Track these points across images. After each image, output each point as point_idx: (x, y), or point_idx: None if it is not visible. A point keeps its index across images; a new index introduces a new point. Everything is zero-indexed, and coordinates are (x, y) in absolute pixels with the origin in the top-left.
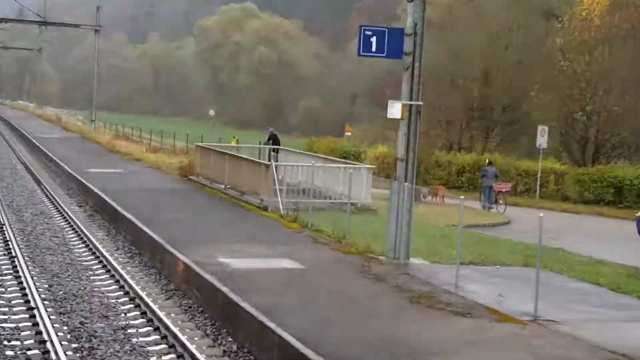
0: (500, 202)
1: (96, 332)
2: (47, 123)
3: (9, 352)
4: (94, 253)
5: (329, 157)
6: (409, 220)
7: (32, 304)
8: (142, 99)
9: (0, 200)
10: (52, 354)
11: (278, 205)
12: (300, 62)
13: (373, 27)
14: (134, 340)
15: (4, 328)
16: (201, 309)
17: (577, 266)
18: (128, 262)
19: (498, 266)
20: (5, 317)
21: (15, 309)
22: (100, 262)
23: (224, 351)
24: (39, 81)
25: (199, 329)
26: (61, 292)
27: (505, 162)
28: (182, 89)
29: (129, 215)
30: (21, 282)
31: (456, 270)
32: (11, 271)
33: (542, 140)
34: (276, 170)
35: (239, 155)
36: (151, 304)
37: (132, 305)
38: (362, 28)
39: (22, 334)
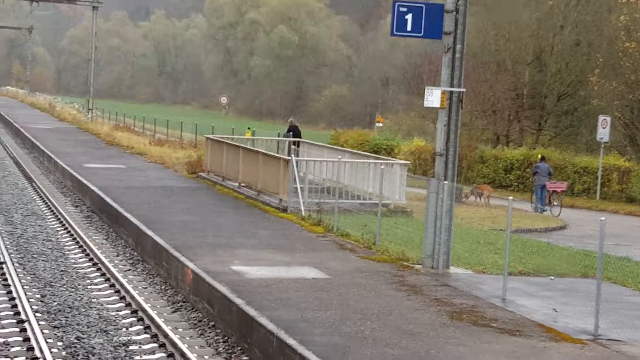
0: (555, 203)
1: (94, 348)
2: (39, 112)
3: None
4: (91, 259)
5: (358, 152)
6: (449, 224)
7: (23, 317)
8: (145, 85)
9: None
10: None
11: (299, 205)
12: (324, 44)
13: (409, 2)
14: (137, 358)
15: None
16: (212, 323)
17: None
18: (130, 269)
19: (552, 277)
20: None
21: (3, 322)
22: (99, 269)
23: None
24: (29, 65)
25: (209, 346)
26: (55, 304)
27: (560, 158)
28: (191, 74)
29: (130, 217)
30: (10, 292)
31: (503, 282)
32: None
33: (603, 132)
34: (297, 166)
35: (255, 149)
36: (156, 317)
37: (134, 319)
38: (396, 4)
39: (12, 350)
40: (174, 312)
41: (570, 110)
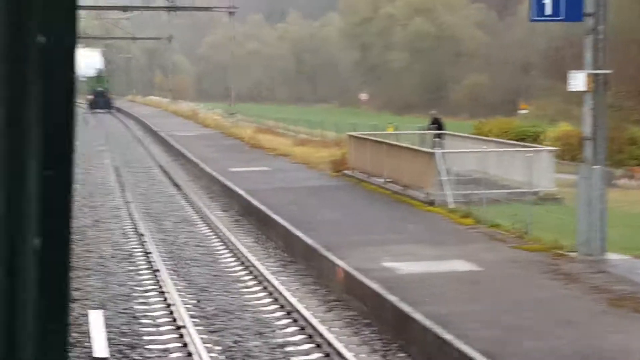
0: None
1: (251, 351)
2: (183, 119)
3: None
4: (243, 263)
5: (502, 141)
6: (603, 209)
7: (180, 323)
8: (285, 86)
9: (138, 209)
10: None
11: (446, 198)
12: (461, 33)
13: None
14: (293, 359)
15: (150, 350)
16: (367, 321)
17: None
18: (281, 271)
19: None
20: (152, 337)
21: (162, 329)
22: (251, 272)
23: None
24: (170, 73)
25: (365, 345)
26: (210, 308)
27: None
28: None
29: (278, 219)
30: (166, 299)
31: None
32: (155, 287)
33: None
34: (442, 159)
35: (399, 143)
36: (310, 317)
37: (289, 320)
38: None
39: (172, 355)
40: (327, 311)
41: None
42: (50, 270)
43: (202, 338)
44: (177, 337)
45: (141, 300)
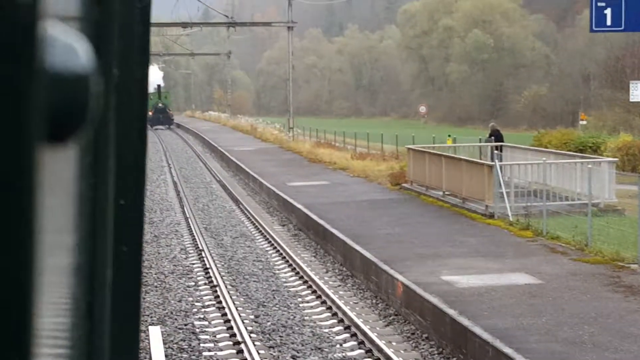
0: None
1: None
2: (242, 134)
3: None
4: (301, 277)
5: (562, 152)
6: None
7: (239, 338)
8: (343, 99)
9: (197, 224)
10: None
11: (506, 211)
12: (521, 44)
13: None
14: None
15: None
16: (425, 335)
17: None
18: (340, 285)
19: None
20: (211, 353)
21: (221, 344)
22: (309, 287)
23: None
24: (229, 88)
25: (424, 359)
26: (269, 323)
27: None
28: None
29: (337, 233)
30: (225, 314)
31: None
32: (213, 302)
33: None
34: (501, 171)
35: (457, 156)
36: (369, 332)
37: (347, 335)
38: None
39: None
40: (386, 325)
41: None
42: (121, 301)
43: (260, 353)
44: (235, 353)
45: (200, 315)
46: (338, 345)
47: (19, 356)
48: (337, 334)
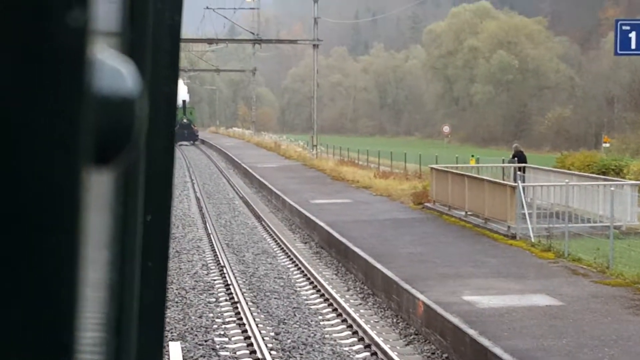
0: None
1: None
2: (265, 151)
3: None
4: (322, 295)
5: (585, 174)
6: None
7: (259, 355)
8: (368, 118)
9: (219, 240)
10: None
11: (528, 232)
12: (545, 66)
13: (632, 20)
14: None
15: None
16: (445, 355)
17: None
18: (361, 304)
19: None
20: None
21: None
22: (330, 305)
23: None
24: (254, 105)
25: None
26: (289, 341)
27: None
28: (412, 104)
29: (359, 251)
30: (245, 331)
31: None
32: (234, 318)
33: None
34: (524, 192)
35: (480, 176)
36: (389, 351)
37: (367, 354)
38: (619, 22)
39: None
40: (406, 345)
41: None
42: (146, 316)
43: None
44: None
45: (220, 332)
46: None
47: None
48: (358, 352)
